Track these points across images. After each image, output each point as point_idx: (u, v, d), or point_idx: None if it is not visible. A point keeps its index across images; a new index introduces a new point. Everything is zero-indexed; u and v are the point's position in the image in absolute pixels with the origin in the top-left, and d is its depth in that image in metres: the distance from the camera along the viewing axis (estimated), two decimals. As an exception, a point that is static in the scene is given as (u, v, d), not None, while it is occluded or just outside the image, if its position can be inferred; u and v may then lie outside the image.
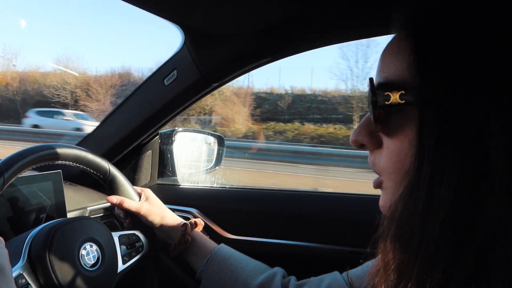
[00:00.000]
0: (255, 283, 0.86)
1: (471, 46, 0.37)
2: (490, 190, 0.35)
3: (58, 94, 21.43)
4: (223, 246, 0.96)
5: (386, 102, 0.43)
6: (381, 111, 0.44)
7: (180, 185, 1.37)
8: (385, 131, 0.45)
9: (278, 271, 0.90)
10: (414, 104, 0.40)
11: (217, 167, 1.52)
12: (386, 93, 0.42)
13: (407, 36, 0.43)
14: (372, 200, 1.19)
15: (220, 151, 1.54)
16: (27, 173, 0.87)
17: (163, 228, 0.98)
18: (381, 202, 0.48)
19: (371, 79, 0.45)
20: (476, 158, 0.35)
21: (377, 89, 0.44)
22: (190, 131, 1.48)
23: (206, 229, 1.19)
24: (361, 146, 0.49)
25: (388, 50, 0.46)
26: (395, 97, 0.42)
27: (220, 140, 1.54)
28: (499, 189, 0.34)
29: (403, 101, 0.42)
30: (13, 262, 0.71)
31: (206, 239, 0.99)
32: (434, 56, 0.39)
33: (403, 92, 0.41)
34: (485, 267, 0.34)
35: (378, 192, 0.50)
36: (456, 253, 0.35)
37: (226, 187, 1.38)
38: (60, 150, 0.85)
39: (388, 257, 0.44)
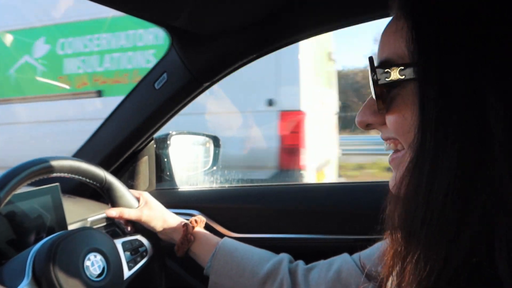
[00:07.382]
0: (262, 271, 0.87)
1: (467, 20, 0.38)
2: (491, 159, 0.36)
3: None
4: (226, 239, 0.96)
5: (387, 79, 0.44)
6: (383, 88, 0.45)
7: (179, 188, 1.36)
8: (388, 108, 0.46)
9: (285, 257, 0.91)
10: (414, 79, 0.42)
11: (214, 168, 1.52)
12: (386, 70, 0.44)
13: (405, 15, 0.44)
14: (371, 187, 1.19)
15: (216, 151, 1.54)
16: (24, 188, 0.86)
17: (166, 231, 0.98)
18: (390, 182, 0.49)
19: (370, 58, 0.46)
20: (476, 128, 0.36)
21: (377, 67, 0.45)
22: (184, 133, 1.48)
23: (209, 230, 1.19)
24: (368, 126, 0.51)
25: (386, 31, 0.48)
26: (395, 74, 0.44)
27: (215, 141, 1.54)
28: (500, 157, 0.35)
29: (403, 77, 0.43)
30: (18, 281, 0.70)
31: (209, 235, 0.99)
32: (432, 32, 0.40)
33: (402, 68, 0.43)
34: (489, 233, 0.35)
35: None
36: (460, 222, 0.36)
37: (225, 187, 1.38)
38: (53, 163, 0.84)
39: (395, 234, 0.45)
